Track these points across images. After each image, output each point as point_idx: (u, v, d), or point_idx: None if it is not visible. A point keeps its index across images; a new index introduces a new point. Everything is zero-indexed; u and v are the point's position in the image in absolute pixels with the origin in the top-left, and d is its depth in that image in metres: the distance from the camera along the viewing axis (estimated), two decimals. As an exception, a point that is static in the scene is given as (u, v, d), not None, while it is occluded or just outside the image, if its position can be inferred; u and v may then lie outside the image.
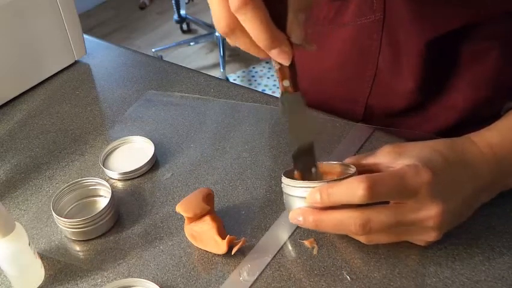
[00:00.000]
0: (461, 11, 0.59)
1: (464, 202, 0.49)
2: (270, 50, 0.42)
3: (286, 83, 0.46)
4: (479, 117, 0.62)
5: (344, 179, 0.46)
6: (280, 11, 0.42)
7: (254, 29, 0.40)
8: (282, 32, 0.42)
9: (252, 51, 0.44)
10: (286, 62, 0.43)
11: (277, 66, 0.45)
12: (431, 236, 0.48)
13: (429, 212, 0.45)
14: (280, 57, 0.43)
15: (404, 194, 0.45)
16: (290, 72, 0.45)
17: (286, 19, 0.42)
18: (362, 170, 0.51)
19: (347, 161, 0.53)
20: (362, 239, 0.49)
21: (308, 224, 0.47)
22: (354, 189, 0.44)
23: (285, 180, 0.50)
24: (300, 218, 0.48)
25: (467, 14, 0.59)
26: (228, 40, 0.44)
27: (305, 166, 0.50)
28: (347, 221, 0.45)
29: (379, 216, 0.45)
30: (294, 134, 0.49)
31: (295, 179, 0.51)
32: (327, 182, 0.47)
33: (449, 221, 0.47)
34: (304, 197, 0.47)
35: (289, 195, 0.49)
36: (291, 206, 0.49)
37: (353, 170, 0.49)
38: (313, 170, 0.50)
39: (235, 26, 0.41)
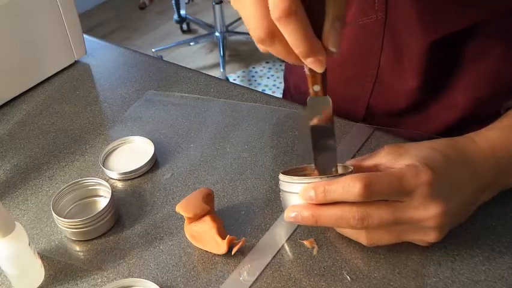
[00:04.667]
0: (470, 10, 0.59)
1: (464, 202, 0.49)
2: (306, 58, 0.42)
3: (317, 88, 0.46)
4: (480, 116, 0.63)
5: (340, 175, 0.46)
6: (318, 18, 0.42)
7: (294, 38, 0.40)
8: (319, 41, 0.42)
9: (286, 58, 0.44)
10: (320, 70, 0.43)
11: (308, 72, 0.45)
12: (431, 237, 0.47)
13: (430, 212, 0.45)
14: (315, 65, 0.42)
15: (401, 193, 0.45)
16: (322, 78, 0.46)
17: (323, 27, 0.42)
18: (361, 171, 0.51)
19: (347, 163, 0.53)
20: (363, 240, 0.49)
21: (306, 220, 0.47)
22: (351, 187, 0.44)
23: (281, 176, 0.50)
24: (293, 214, 0.47)
25: (475, 12, 0.59)
26: (259, 46, 0.44)
27: (326, 166, 0.49)
28: (346, 215, 0.45)
29: (378, 211, 0.45)
30: (318, 139, 0.48)
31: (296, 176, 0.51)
32: (321, 178, 0.46)
33: (449, 222, 0.47)
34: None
35: (286, 191, 0.49)
36: (287, 202, 0.49)
37: (349, 168, 0.49)
38: (333, 170, 0.49)
39: (275, 34, 0.41)
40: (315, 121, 0.48)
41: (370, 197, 0.44)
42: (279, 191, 0.51)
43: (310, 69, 0.44)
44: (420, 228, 0.47)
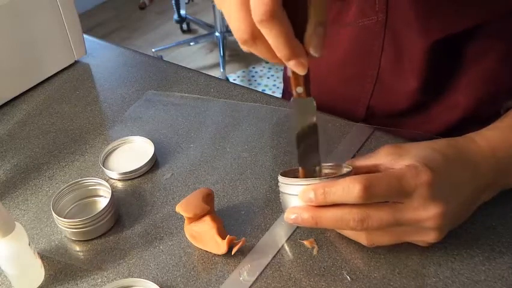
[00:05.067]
0: (470, 10, 0.59)
1: (464, 202, 0.48)
2: (288, 61, 0.42)
3: (300, 89, 0.47)
4: (481, 116, 0.62)
5: (339, 176, 0.46)
6: (300, 22, 0.42)
7: (276, 41, 0.41)
8: (300, 44, 0.42)
9: (269, 59, 0.44)
10: (302, 72, 0.44)
11: (291, 74, 0.46)
12: (431, 237, 0.47)
13: (430, 213, 0.45)
14: (296, 67, 0.43)
15: (401, 194, 0.45)
16: (304, 80, 0.46)
17: (305, 30, 0.42)
18: (361, 172, 0.51)
19: (347, 163, 0.53)
20: (363, 241, 0.49)
21: (306, 222, 0.47)
22: (350, 189, 0.44)
23: (281, 178, 0.50)
24: (293, 216, 0.47)
25: (476, 13, 0.59)
26: (242, 47, 0.44)
27: (310, 164, 0.50)
28: (346, 217, 0.45)
29: (378, 213, 0.45)
30: (302, 139, 0.49)
31: (295, 178, 0.51)
32: (321, 180, 0.46)
33: (449, 222, 0.47)
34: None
35: (285, 193, 0.49)
36: (287, 204, 0.49)
37: (348, 169, 0.49)
38: (317, 168, 0.50)
39: (257, 36, 0.41)
40: (299, 129, 0.49)
41: (370, 199, 0.44)
42: (279, 192, 0.51)
43: (293, 71, 0.45)
44: (421, 228, 0.47)
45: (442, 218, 0.45)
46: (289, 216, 0.48)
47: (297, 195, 0.47)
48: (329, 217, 0.46)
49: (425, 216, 0.45)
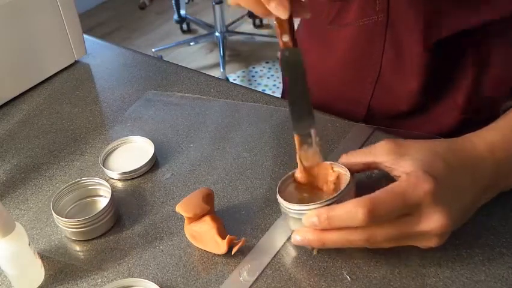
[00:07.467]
0: (472, 12, 0.59)
1: (466, 206, 0.48)
2: (269, 2, 0.43)
3: (286, 37, 0.47)
4: (481, 117, 0.62)
5: (340, 194, 0.47)
6: None
7: None
8: None
9: (252, 7, 0.45)
10: (284, 15, 0.44)
11: (275, 21, 0.46)
12: (433, 243, 0.47)
13: (433, 223, 0.45)
14: (278, 9, 0.43)
15: (406, 209, 0.45)
16: (289, 27, 0.46)
17: None
18: (360, 169, 0.51)
19: (345, 156, 0.52)
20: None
21: (313, 243, 0.48)
22: (354, 213, 0.44)
23: (281, 200, 0.50)
24: (299, 238, 0.48)
25: (477, 14, 0.59)
26: None
27: (304, 128, 0.50)
28: (352, 238, 0.46)
29: (383, 230, 0.45)
30: (293, 91, 0.50)
31: (294, 180, 0.51)
32: (321, 204, 0.47)
33: (451, 227, 0.47)
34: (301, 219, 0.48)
35: (289, 216, 0.50)
36: (290, 225, 0.50)
37: (347, 175, 0.50)
38: (312, 131, 0.50)
39: None
40: (290, 87, 0.49)
41: (374, 221, 0.45)
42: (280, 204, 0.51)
43: (278, 18, 0.45)
44: (424, 236, 0.47)
45: (445, 226, 0.45)
46: (295, 237, 0.49)
47: (299, 218, 0.48)
48: (334, 239, 0.47)
49: (429, 227, 0.45)
